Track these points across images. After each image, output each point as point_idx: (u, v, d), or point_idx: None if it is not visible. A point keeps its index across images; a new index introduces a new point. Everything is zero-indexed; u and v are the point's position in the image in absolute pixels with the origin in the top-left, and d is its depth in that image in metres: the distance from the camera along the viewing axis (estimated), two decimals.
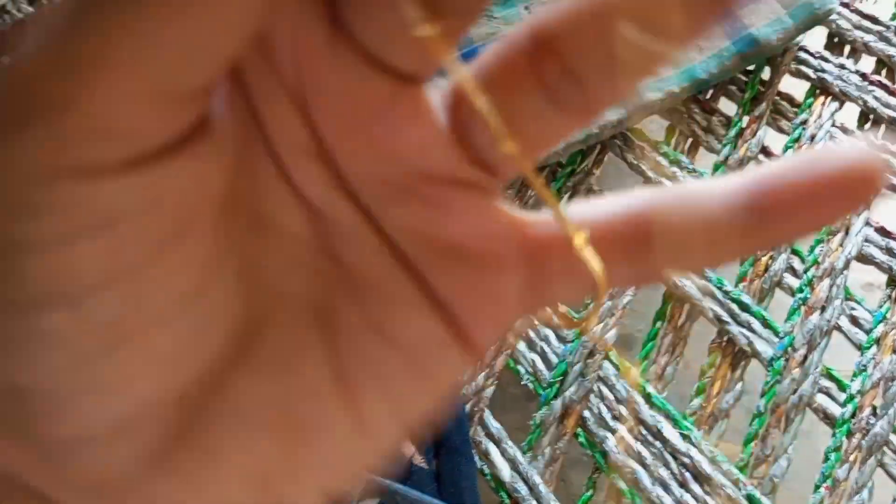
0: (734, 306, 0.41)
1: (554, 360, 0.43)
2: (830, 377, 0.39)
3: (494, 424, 0.42)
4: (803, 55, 0.47)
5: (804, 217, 0.13)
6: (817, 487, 0.37)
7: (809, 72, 0.46)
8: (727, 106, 0.47)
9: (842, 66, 0.46)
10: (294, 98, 0.14)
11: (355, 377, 0.14)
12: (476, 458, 0.41)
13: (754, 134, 0.46)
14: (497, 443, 0.41)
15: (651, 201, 0.14)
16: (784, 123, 0.46)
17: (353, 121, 0.14)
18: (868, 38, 0.47)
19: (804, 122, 0.45)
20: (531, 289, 0.15)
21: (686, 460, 0.38)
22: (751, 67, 0.47)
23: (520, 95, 0.14)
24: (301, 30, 0.13)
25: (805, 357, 0.39)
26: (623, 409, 0.41)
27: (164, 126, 0.11)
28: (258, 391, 0.14)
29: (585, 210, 0.15)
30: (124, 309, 0.12)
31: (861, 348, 0.40)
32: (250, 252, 0.15)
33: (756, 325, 0.41)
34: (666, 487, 0.37)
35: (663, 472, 0.38)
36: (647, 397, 0.41)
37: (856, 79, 0.45)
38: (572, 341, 0.43)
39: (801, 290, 0.41)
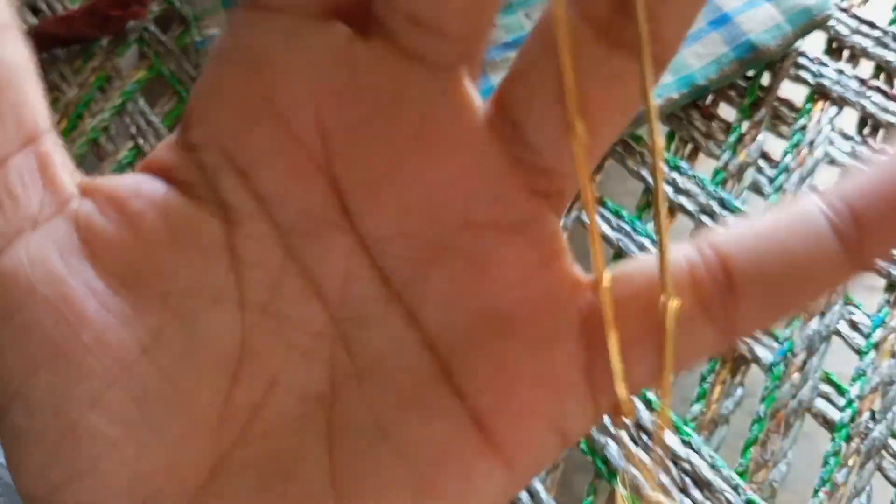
0: None
1: None
2: (830, 382, 0.40)
3: None
4: (802, 60, 0.47)
5: None
6: (816, 492, 0.37)
7: (808, 77, 0.47)
8: (727, 111, 0.48)
9: (840, 72, 0.46)
10: (313, 158, 0.13)
11: (352, 486, 0.13)
12: None
13: (754, 139, 0.46)
14: None
15: (724, 241, 0.12)
16: (784, 129, 0.46)
17: (380, 160, 0.13)
18: (866, 42, 0.47)
19: (803, 128, 0.46)
20: (590, 374, 0.13)
21: (686, 466, 0.39)
22: (750, 73, 0.48)
23: (580, 51, 0.12)
24: (316, 59, 0.12)
25: (805, 362, 0.40)
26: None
27: None
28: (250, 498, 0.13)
29: (633, 267, 0.13)
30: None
31: (860, 353, 0.40)
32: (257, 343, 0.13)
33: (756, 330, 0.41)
34: (666, 493, 0.38)
35: (664, 478, 0.38)
36: (648, 403, 0.41)
37: (854, 84, 0.46)
38: None
39: None
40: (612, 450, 0.41)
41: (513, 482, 0.13)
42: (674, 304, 0.12)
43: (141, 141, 0.56)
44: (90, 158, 0.58)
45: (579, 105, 0.12)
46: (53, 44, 0.62)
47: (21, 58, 0.15)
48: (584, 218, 0.46)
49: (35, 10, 0.63)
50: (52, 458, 0.12)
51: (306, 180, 0.13)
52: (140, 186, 0.14)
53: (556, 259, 0.13)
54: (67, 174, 0.15)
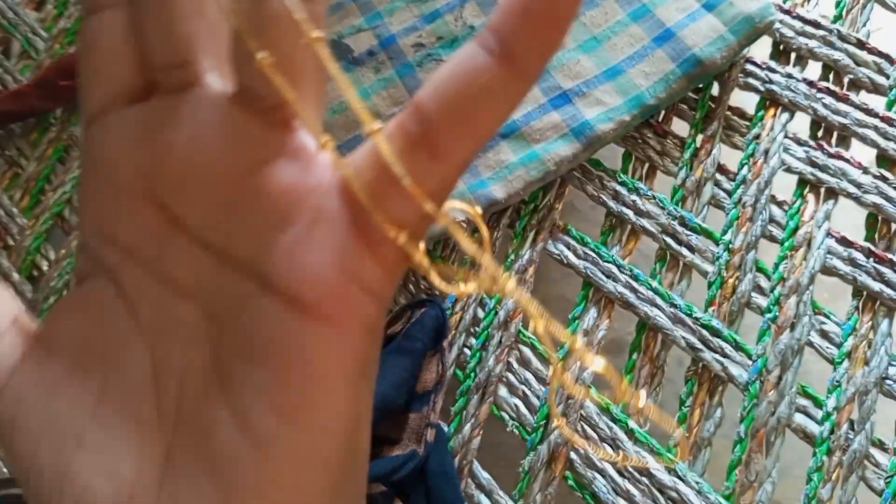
0: (705, 332, 0.42)
1: (536, 403, 0.43)
2: (807, 395, 0.40)
3: (484, 475, 0.42)
4: (750, 67, 0.47)
5: (542, 19, 0.14)
6: None
7: (757, 84, 0.47)
8: (680, 125, 0.48)
9: (789, 76, 0.46)
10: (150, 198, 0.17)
11: (250, 409, 0.16)
12: None
13: (709, 154, 0.46)
14: (488, 494, 0.42)
15: (420, 92, 0.16)
16: (738, 139, 0.46)
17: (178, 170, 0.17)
18: (812, 43, 0.47)
19: (757, 137, 0.45)
20: (359, 228, 0.16)
21: (673, 494, 0.39)
22: (701, 85, 0.47)
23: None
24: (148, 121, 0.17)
25: (779, 378, 0.40)
26: (608, 448, 0.41)
27: None
28: (195, 487, 0.16)
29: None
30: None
31: (833, 363, 0.40)
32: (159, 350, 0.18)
33: (728, 349, 0.41)
34: None
35: None
36: (631, 433, 0.41)
37: (803, 87, 0.46)
38: (552, 383, 0.43)
39: (769, 310, 0.42)
40: (600, 483, 0.41)
41: (342, 338, 0.16)
42: (375, 127, 0.15)
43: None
44: (56, 233, 0.58)
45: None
46: (8, 120, 0.61)
47: None
48: (551, 248, 0.46)
49: None
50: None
51: (141, 215, 0.17)
52: (56, 313, 0.19)
53: (311, 159, 0.17)
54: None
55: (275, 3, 0.15)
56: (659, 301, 0.43)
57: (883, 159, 0.43)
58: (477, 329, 0.45)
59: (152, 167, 0.17)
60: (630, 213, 0.46)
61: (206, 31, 0.17)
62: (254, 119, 0.17)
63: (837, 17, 0.47)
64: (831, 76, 0.46)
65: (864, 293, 0.41)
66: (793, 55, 0.47)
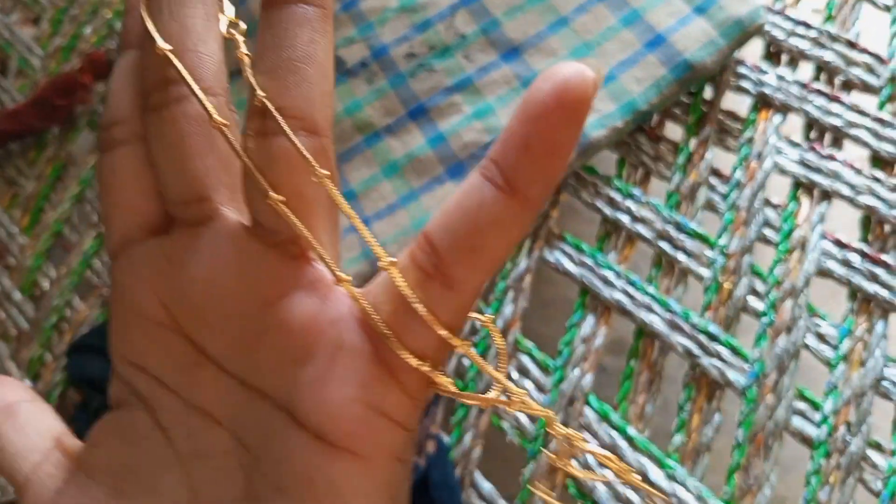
0: (703, 337, 0.42)
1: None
2: (804, 398, 0.40)
3: (486, 485, 0.43)
4: (742, 69, 0.47)
5: (543, 151, 0.14)
6: None
7: (749, 86, 0.47)
8: (673, 130, 0.48)
9: (781, 77, 0.46)
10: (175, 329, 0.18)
11: None
12: None
13: (702, 157, 0.46)
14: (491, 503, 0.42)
15: (428, 225, 0.16)
16: (731, 142, 0.46)
17: (206, 306, 0.17)
18: (803, 44, 0.47)
19: (750, 140, 0.45)
20: (381, 358, 0.16)
21: (673, 500, 0.39)
22: (693, 89, 0.48)
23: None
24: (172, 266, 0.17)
25: (777, 382, 0.40)
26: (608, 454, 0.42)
27: None
28: None
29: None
30: None
31: (830, 365, 0.40)
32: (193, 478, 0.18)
33: (726, 354, 0.41)
34: None
35: None
36: (630, 440, 0.41)
37: (795, 89, 0.46)
38: (551, 391, 0.44)
39: (765, 314, 0.42)
40: (601, 491, 0.41)
41: (370, 471, 0.16)
42: (391, 261, 0.15)
43: (104, 229, 0.56)
44: (57, 252, 0.59)
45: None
46: (5, 139, 0.62)
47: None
48: (547, 255, 0.46)
49: None
50: None
51: (169, 346, 0.18)
52: (96, 436, 0.19)
53: (328, 291, 0.17)
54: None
55: (281, 141, 0.16)
56: (656, 307, 0.43)
57: (876, 160, 0.43)
58: (475, 338, 0.45)
59: (175, 299, 0.18)
60: (625, 218, 0.46)
61: (219, 165, 0.17)
62: (270, 252, 0.17)
63: (829, 18, 0.47)
64: (823, 77, 0.46)
65: (859, 295, 0.41)
66: (784, 56, 0.47)
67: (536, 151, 0.14)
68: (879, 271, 0.41)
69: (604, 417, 0.42)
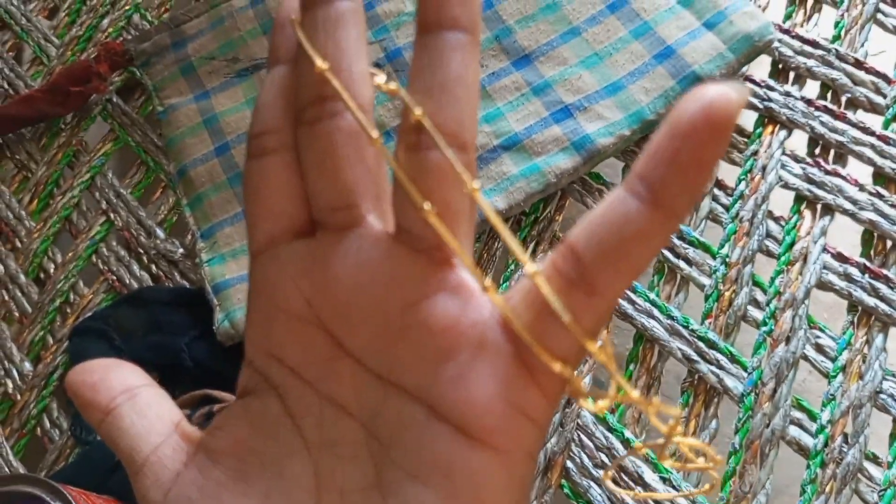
0: (702, 344, 0.42)
1: None
2: (801, 407, 0.40)
3: None
4: (749, 85, 0.48)
5: (689, 165, 0.15)
6: None
7: (756, 101, 0.47)
8: None
9: (787, 94, 0.47)
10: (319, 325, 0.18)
11: None
12: None
13: None
14: None
15: (571, 233, 0.17)
16: (736, 155, 0.47)
17: (347, 305, 0.18)
18: (810, 62, 0.47)
19: (755, 153, 0.46)
20: (522, 359, 0.17)
21: None
22: None
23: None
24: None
25: (774, 391, 0.40)
26: (604, 457, 0.42)
27: None
28: None
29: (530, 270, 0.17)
30: None
31: (828, 377, 0.41)
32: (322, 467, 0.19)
33: (724, 361, 0.42)
34: None
35: None
36: (627, 443, 0.42)
37: (801, 105, 0.46)
38: None
39: (765, 323, 0.42)
40: (595, 492, 0.41)
41: (508, 466, 0.17)
42: (535, 269, 0.16)
43: (112, 215, 0.57)
44: (64, 236, 0.59)
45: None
46: (18, 125, 0.62)
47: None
48: None
49: None
50: None
51: (309, 340, 0.19)
52: (223, 424, 0.20)
53: (471, 295, 0.18)
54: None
55: (434, 155, 0.17)
56: (656, 313, 0.44)
57: (879, 177, 0.44)
58: None
59: (318, 296, 0.18)
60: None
61: (366, 175, 0.18)
62: (415, 256, 0.18)
63: (836, 38, 0.48)
64: (829, 95, 0.47)
65: (860, 308, 0.41)
66: (791, 74, 0.48)
67: (684, 166, 0.15)
68: (880, 285, 0.41)
69: (601, 420, 0.43)
